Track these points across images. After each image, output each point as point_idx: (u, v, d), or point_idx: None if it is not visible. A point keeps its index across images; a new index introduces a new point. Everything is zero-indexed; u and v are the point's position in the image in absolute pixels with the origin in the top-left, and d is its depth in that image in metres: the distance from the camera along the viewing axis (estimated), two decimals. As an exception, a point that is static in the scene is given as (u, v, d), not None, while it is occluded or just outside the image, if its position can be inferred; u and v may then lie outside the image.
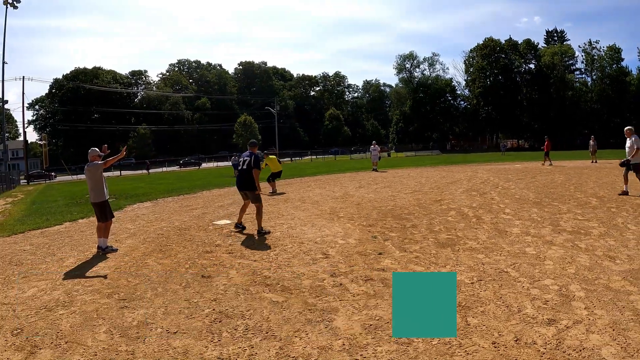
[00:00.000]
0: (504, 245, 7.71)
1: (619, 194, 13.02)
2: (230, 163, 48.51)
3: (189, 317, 5.02)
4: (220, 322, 4.86)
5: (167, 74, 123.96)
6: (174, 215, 13.02)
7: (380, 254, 7.50)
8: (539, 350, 3.90)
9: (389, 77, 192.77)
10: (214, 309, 5.23)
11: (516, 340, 4.11)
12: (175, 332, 4.63)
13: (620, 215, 10.08)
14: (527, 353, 3.87)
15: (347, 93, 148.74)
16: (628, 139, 12.97)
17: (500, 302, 5.06)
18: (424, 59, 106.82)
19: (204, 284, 6.25)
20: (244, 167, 9.87)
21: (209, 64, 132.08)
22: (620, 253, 6.91)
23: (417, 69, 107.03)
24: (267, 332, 4.53)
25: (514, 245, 7.73)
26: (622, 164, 13.28)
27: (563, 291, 5.32)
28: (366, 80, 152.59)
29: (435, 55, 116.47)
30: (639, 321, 4.38)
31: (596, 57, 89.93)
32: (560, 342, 4.04)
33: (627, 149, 13.01)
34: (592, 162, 30.39)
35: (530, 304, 4.97)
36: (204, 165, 74.92)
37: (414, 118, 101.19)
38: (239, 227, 10.16)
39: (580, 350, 3.86)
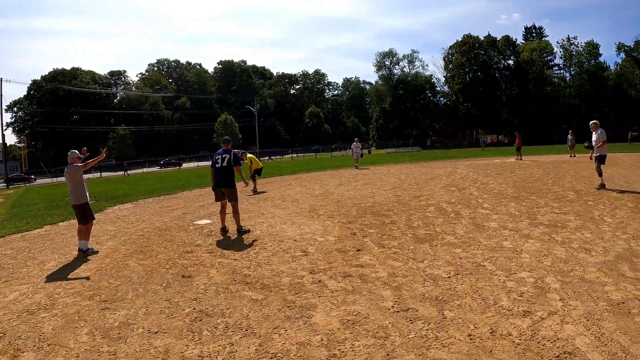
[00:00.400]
0: (482, 240, 7.82)
1: (597, 188, 13.24)
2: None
3: (169, 317, 5.03)
4: (200, 321, 4.89)
5: (147, 73, 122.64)
6: (155, 216, 12.95)
7: (359, 250, 7.56)
8: (514, 341, 3.99)
9: (369, 74, 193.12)
10: (194, 308, 5.25)
11: (492, 332, 4.19)
12: (156, 332, 4.64)
13: (596, 208, 10.27)
14: (502, 344, 3.95)
15: (327, 91, 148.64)
16: (594, 132, 13.37)
17: (477, 295, 5.15)
18: (404, 56, 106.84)
19: (185, 283, 6.26)
20: (224, 164, 9.70)
21: (188, 63, 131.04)
22: (595, 245, 7.06)
23: (397, 66, 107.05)
24: (246, 330, 4.57)
25: (491, 239, 7.85)
26: (587, 147, 13.73)
27: (539, 283, 5.43)
28: (346, 77, 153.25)
29: (415, 52, 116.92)
30: (613, 311, 4.50)
31: (574, 53, 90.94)
32: (535, 332, 4.14)
33: (593, 142, 13.40)
34: (571, 156, 30.78)
35: (506, 296, 5.07)
36: (184, 165, 74.24)
37: (394, 115, 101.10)
38: (226, 230, 9.76)
39: (555, 341, 3.96)
